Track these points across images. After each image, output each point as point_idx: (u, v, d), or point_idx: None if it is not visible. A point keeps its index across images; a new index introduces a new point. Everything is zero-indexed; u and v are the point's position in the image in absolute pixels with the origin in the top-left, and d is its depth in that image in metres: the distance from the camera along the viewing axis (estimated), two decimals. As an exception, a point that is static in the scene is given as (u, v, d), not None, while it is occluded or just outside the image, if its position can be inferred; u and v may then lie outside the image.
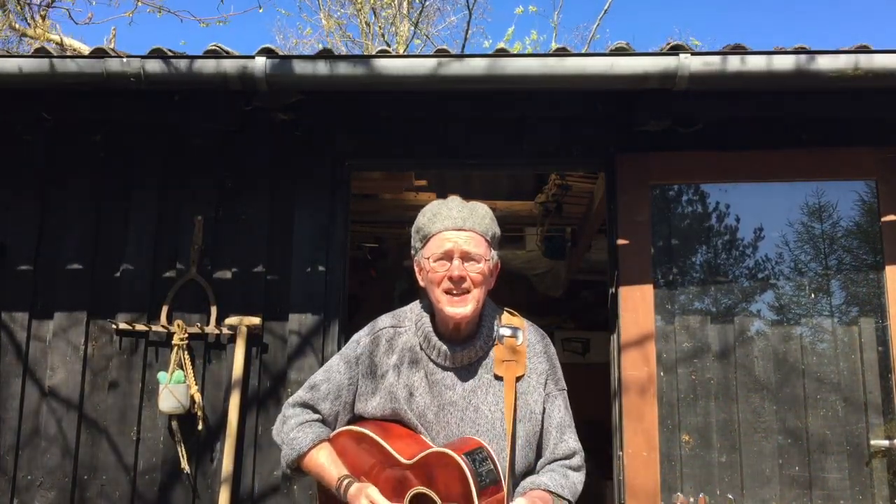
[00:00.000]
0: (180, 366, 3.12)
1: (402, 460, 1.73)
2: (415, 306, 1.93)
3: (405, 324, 1.90)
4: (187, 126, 3.34)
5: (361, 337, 1.93)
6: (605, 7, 12.22)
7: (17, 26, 7.76)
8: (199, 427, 3.12)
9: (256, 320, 3.16)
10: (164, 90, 3.11)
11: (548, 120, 3.36)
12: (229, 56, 2.95)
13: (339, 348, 3.10)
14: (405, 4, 12.41)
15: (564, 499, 1.78)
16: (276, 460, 3.05)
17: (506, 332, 1.87)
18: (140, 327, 3.19)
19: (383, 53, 3.03)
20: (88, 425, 3.16)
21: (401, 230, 5.87)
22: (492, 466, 1.69)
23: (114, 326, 3.19)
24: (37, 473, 3.13)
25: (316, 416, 1.89)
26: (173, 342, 3.14)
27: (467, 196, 1.93)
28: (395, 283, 6.46)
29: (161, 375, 3.10)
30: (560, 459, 1.85)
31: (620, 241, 3.20)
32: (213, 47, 3.02)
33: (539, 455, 1.87)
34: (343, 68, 2.91)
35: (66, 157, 3.38)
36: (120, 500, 3.10)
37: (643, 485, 2.99)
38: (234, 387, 3.10)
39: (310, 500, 3.07)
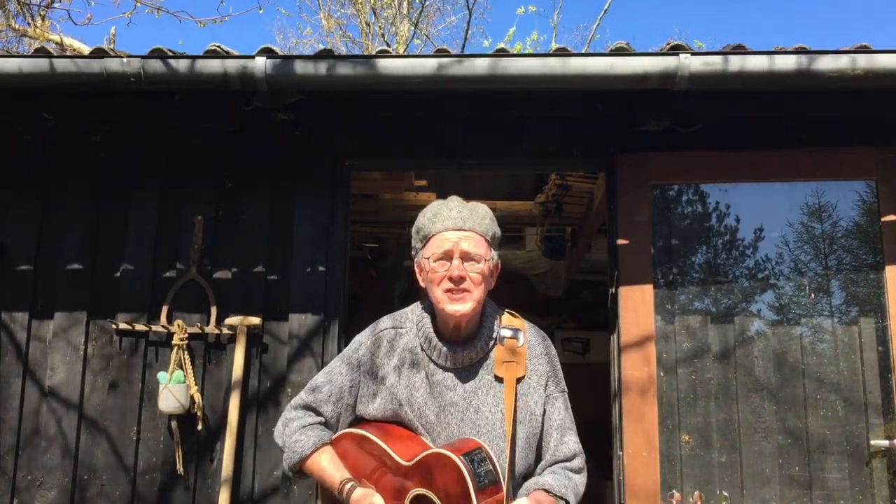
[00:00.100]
0: (180, 366, 3.12)
1: (402, 462, 1.73)
2: (415, 307, 1.93)
3: (406, 325, 1.90)
4: (187, 126, 3.34)
5: (362, 339, 1.93)
6: (605, 7, 12.25)
7: (16, 26, 7.77)
8: (199, 427, 3.12)
9: (256, 320, 3.16)
10: (164, 90, 3.11)
11: (548, 120, 3.36)
12: (229, 56, 2.95)
13: (340, 348, 3.11)
14: (405, 4, 12.41)
15: (567, 501, 1.77)
16: (276, 460, 3.06)
17: (506, 333, 1.87)
18: (140, 327, 3.19)
19: (383, 53, 3.03)
20: (88, 425, 3.16)
21: (401, 230, 5.87)
22: (491, 467, 1.69)
23: (114, 326, 3.19)
24: (37, 473, 3.13)
25: (318, 419, 1.89)
26: (173, 342, 3.14)
27: (467, 196, 1.93)
28: (395, 283, 6.46)
29: (161, 375, 3.10)
30: (561, 461, 1.84)
31: (620, 241, 3.20)
32: (214, 47, 3.02)
33: (539, 456, 1.86)
34: (343, 68, 2.91)
35: (66, 157, 3.38)
36: (120, 500, 3.10)
37: (643, 485, 2.99)
38: (234, 387, 3.10)
39: (310, 500, 3.07)
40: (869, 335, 3.13)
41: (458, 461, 1.64)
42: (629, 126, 3.27)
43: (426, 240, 1.84)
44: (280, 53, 2.96)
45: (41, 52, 3.00)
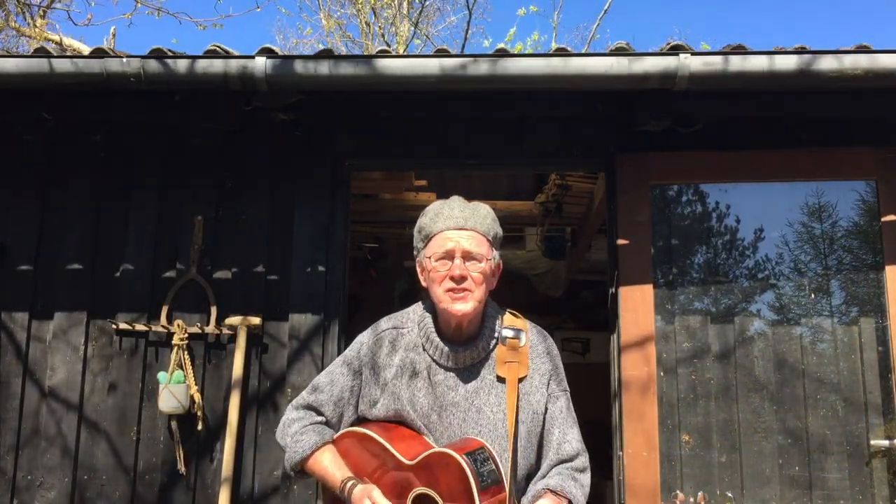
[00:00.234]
0: (180, 366, 3.12)
1: (405, 461, 1.73)
2: (417, 308, 1.93)
3: (408, 325, 1.90)
4: (187, 126, 3.34)
5: (364, 339, 1.93)
6: (605, 7, 12.26)
7: (16, 26, 7.77)
8: (199, 427, 3.12)
9: (256, 320, 3.16)
10: (164, 90, 3.11)
11: (548, 120, 3.36)
12: (229, 56, 2.95)
13: (340, 348, 3.11)
14: (405, 4, 12.42)
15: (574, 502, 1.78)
16: (276, 460, 3.06)
17: (508, 332, 1.87)
18: (140, 327, 3.19)
19: (384, 53, 3.03)
20: (88, 425, 3.16)
21: (401, 230, 5.87)
22: (493, 467, 1.70)
23: (114, 326, 3.19)
24: (37, 473, 3.13)
25: (319, 419, 1.89)
26: (173, 342, 3.14)
27: (467, 196, 1.93)
28: (395, 283, 6.46)
29: (161, 375, 3.10)
30: (565, 461, 1.84)
31: (620, 241, 3.20)
32: (214, 47, 3.02)
33: (541, 455, 1.87)
34: (343, 68, 2.91)
35: (66, 157, 3.38)
36: (120, 500, 3.10)
37: (643, 485, 2.99)
38: (234, 387, 3.10)
39: (310, 499, 3.07)
40: (869, 335, 3.13)
41: (461, 460, 1.65)
42: (629, 126, 3.27)
43: (428, 239, 1.84)
44: (280, 53, 2.96)
45: (41, 52, 2.99)
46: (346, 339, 3.03)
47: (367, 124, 3.39)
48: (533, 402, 1.84)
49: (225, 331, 3.18)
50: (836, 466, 3.02)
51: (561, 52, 2.97)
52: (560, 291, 6.32)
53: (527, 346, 1.87)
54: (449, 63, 2.90)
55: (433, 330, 1.85)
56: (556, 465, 1.84)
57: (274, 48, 2.97)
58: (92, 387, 3.19)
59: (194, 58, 2.94)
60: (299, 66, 2.92)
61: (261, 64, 2.89)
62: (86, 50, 7.04)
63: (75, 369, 3.19)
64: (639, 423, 3.04)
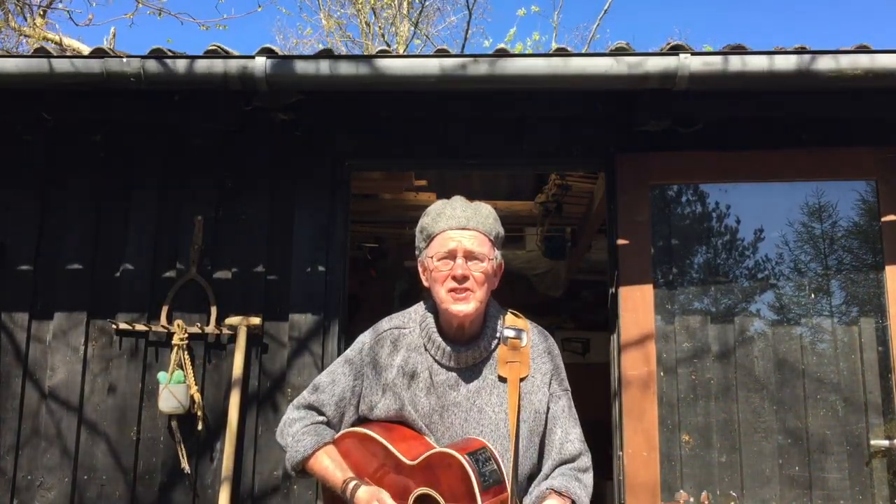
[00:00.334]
0: (180, 366, 3.12)
1: (406, 461, 1.73)
2: (418, 307, 1.93)
3: (409, 325, 1.90)
4: (187, 126, 3.34)
5: (365, 339, 1.93)
6: (605, 7, 12.26)
7: (16, 26, 7.77)
8: (199, 427, 3.12)
9: (256, 320, 3.16)
10: (164, 90, 3.11)
11: (548, 120, 3.36)
12: (229, 56, 2.95)
13: (340, 348, 3.11)
14: (405, 4, 12.42)
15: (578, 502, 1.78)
16: (276, 460, 3.06)
17: (510, 333, 1.87)
18: (140, 327, 3.19)
19: (384, 53, 3.03)
20: (88, 425, 3.16)
21: (401, 230, 5.87)
22: (495, 467, 1.70)
23: (114, 326, 3.19)
24: (37, 474, 3.13)
25: (321, 418, 1.89)
26: (173, 342, 3.14)
27: (468, 196, 1.93)
28: (395, 283, 6.46)
29: (161, 375, 3.10)
30: (567, 461, 1.84)
31: (620, 241, 3.20)
32: (214, 47, 3.02)
33: (543, 455, 1.87)
34: (343, 68, 2.91)
35: (66, 157, 3.38)
36: (120, 500, 3.10)
37: (643, 485, 2.99)
38: (234, 387, 3.10)
39: (311, 499, 3.07)
40: (869, 335, 3.13)
41: (463, 460, 1.65)
42: (629, 126, 3.27)
43: (430, 239, 1.84)
44: (280, 53, 2.96)
45: (41, 53, 2.99)
46: (347, 338, 3.03)
47: (367, 124, 3.39)
48: (535, 401, 1.84)
49: (225, 331, 3.18)
50: (836, 466, 3.02)
51: (561, 52, 2.97)
52: (560, 291, 6.31)
53: (528, 345, 1.87)
54: (449, 63, 2.90)
55: (435, 330, 1.85)
56: (558, 466, 1.84)
57: (274, 48, 2.97)
58: (92, 387, 3.19)
59: (194, 58, 2.94)
60: (299, 66, 2.92)
61: (261, 64, 2.89)
62: (86, 50, 7.04)
63: (75, 369, 3.19)
64: (639, 422, 3.04)
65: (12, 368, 3.21)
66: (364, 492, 1.72)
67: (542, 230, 5.58)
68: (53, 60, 2.93)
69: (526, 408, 1.82)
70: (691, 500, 1.52)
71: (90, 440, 3.15)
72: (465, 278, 1.77)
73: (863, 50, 2.88)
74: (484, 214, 1.85)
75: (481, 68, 2.89)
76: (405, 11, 12.40)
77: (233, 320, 3.16)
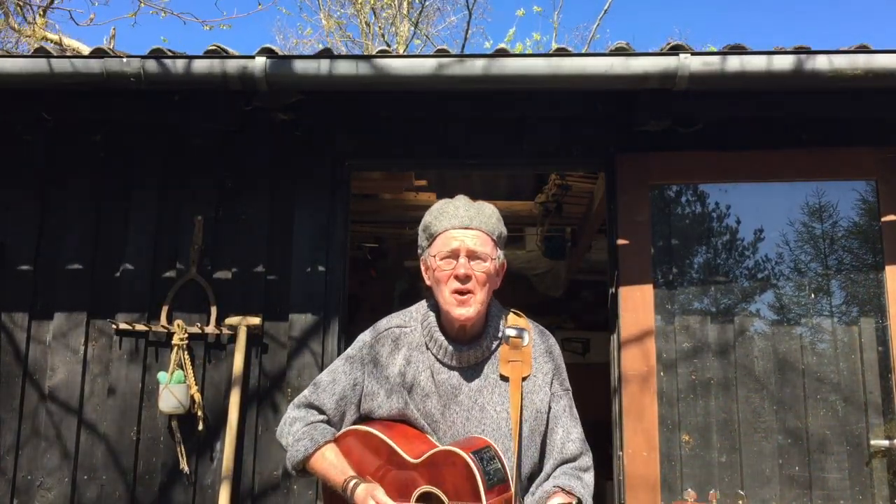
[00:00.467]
0: (180, 366, 3.12)
1: (409, 459, 1.73)
2: (420, 306, 1.93)
3: (410, 324, 1.90)
4: (187, 126, 3.34)
5: (366, 337, 1.93)
6: (605, 7, 12.25)
7: (16, 26, 7.76)
8: (200, 427, 3.12)
9: (256, 320, 3.16)
10: (164, 90, 3.11)
11: (548, 120, 3.36)
12: (229, 56, 2.95)
13: (340, 348, 3.11)
14: (405, 4, 12.42)
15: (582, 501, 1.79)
16: (277, 460, 3.06)
17: (511, 332, 1.87)
18: (140, 327, 3.19)
19: (383, 53, 3.03)
20: (88, 426, 3.16)
21: (401, 230, 5.87)
22: (499, 465, 1.70)
23: (114, 326, 3.19)
24: (37, 474, 3.13)
25: (321, 417, 1.89)
26: (173, 342, 3.14)
27: (468, 196, 1.93)
28: (395, 283, 6.46)
29: (161, 375, 3.10)
30: (569, 461, 1.85)
31: (620, 241, 3.20)
32: (213, 47, 3.02)
33: (544, 454, 1.87)
34: (343, 68, 2.91)
35: (66, 157, 3.38)
36: (120, 500, 3.10)
37: (643, 485, 2.99)
38: (234, 386, 3.10)
39: (310, 499, 3.07)
40: (869, 335, 3.13)
41: (468, 459, 1.65)
42: (629, 126, 3.27)
43: (433, 238, 1.84)
44: (280, 53, 2.96)
45: (41, 53, 2.99)
46: (347, 338, 3.03)
47: (367, 124, 3.39)
48: (536, 401, 1.84)
49: (225, 331, 3.18)
50: (836, 466, 3.02)
51: (561, 52, 2.97)
52: (560, 291, 6.31)
53: (530, 345, 1.88)
54: (449, 63, 2.90)
55: (437, 329, 1.85)
56: (559, 465, 1.84)
57: (274, 48, 2.97)
58: (92, 387, 3.19)
59: (194, 58, 2.94)
60: (299, 66, 2.92)
61: (261, 64, 2.89)
62: (85, 50, 7.04)
63: (75, 369, 3.19)
64: (639, 422, 3.04)
65: (12, 369, 3.21)
66: (362, 489, 1.72)
67: (542, 230, 5.58)
68: (53, 60, 2.93)
69: (528, 407, 1.82)
70: (689, 499, 1.53)
71: (90, 440, 3.15)
72: (467, 278, 1.77)
73: (863, 50, 2.88)
74: (487, 214, 1.85)
75: (482, 68, 2.89)
76: (405, 11, 12.40)
77: (233, 320, 3.16)
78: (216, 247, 3.28)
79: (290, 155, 3.35)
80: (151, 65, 2.92)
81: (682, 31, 23.24)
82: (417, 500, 1.71)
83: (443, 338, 1.84)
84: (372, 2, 12.13)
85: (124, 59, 2.91)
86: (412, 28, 12.40)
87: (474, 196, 1.92)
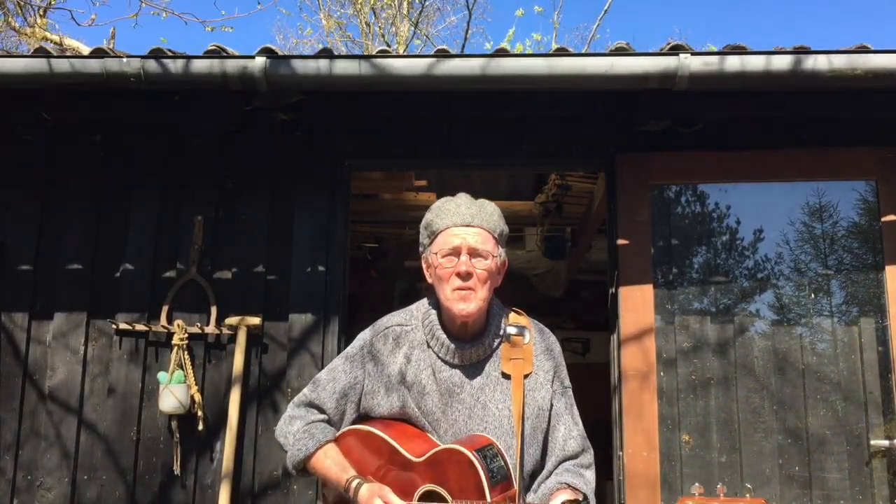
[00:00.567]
0: (180, 366, 3.12)
1: (411, 458, 1.73)
2: (421, 305, 1.93)
3: (411, 322, 1.90)
4: (187, 126, 3.34)
5: (366, 336, 1.93)
6: (606, 7, 12.23)
7: (16, 26, 7.76)
8: (200, 427, 3.12)
9: (256, 320, 3.16)
10: (164, 90, 3.11)
11: (548, 120, 3.36)
12: (229, 56, 2.95)
13: (340, 348, 3.11)
14: (405, 4, 12.41)
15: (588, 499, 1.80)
16: (276, 459, 3.06)
17: (512, 330, 1.88)
18: (140, 327, 3.19)
19: (383, 53, 3.03)
20: (88, 426, 3.16)
21: (401, 230, 5.87)
22: (502, 463, 1.71)
23: (114, 326, 3.19)
24: (37, 474, 3.13)
25: (321, 416, 1.89)
26: (173, 342, 3.14)
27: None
28: (395, 283, 6.46)
29: (161, 375, 3.10)
30: (570, 458, 1.86)
31: (620, 241, 3.20)
32: (213, 47, 3.02)
33: (546, 452, 1.87)
34: (343, 68, 2.91)
35: (66, 157, 3.38)
36: (119, 500, 3.10)
37: (643, 484, 2.99)
38: (234, 386, 3.10)
39: (310, 499, 3.07)
40: (869, 335, 3.13)
41: (472, 457, 1.65)
42: (629, 126, 3.27)
43: (434, 235, 1.84)
44: (280, 53, 2.96)
45: (41, 53, 2.99)
46: (346, 338, 3.03)
47: (368, 124, 3.39)
48: (538, 398, 1.85)
49: (225, 331, 3.18)
50: (835, 466, 3.02)
51: (561, 52, 2.97)
52: (560, 291, 6.31)
53: (531, 343, 1.88)
54: (449, 63, 2.90)
55: (438, 327, 1.85)
56: (561, 462, 1.85)
57: (274, 48, 2.97)
58: (92, 387, 3.19)
59: (194, 58, 2.94)
60: (299, 66, 2.92)
61: (260, 64, 2.89)
62: (85, 50, 7.04)
63: (75, 369, 3.19)
64: (639, 422, 3.04)
65: (12, 369, 3.21)
66: (366, 489, 1.72)
67: (542, 230, 5.58)
68: (53, 60, 2.93)
69: (530, 405, 1.83)
70: (696, 493, 1.54)
71: (90, 440, 3.15)
72: (468, 275, 1.78)
73: (862, 50, 2.88)
74: (489, 212, 1.85)
75: (481, 68, 2.89)
76: (405, 11, 12.40)
77: (233, 320, 3.16)
78: (216, 247, 3.28)
79: (290, 155, 3.35)
80: (151, 65, 2.92)
81: (682, 31, 23.27)
82: (420, 499, 1.71)
83: (445, 336, 1.84)
84: (372, 2, 12.13)
85: (124, 59, 2.91)
86: (412, 28, 12.40)
87: (475, 196, 1.92)
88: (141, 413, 3.16)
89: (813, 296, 3.24)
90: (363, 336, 1.94)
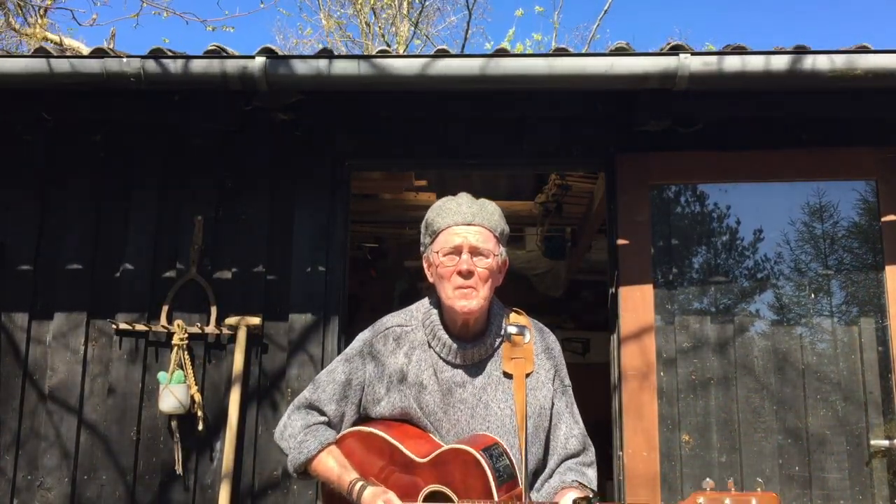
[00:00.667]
0: (180, 366, 3.12)
1: (416, 459, 1.73)
2: (421, 305, 1.93)
3: (411, 323, 1.90)
4: (187, 126, 3.34)
5: (366, 336, 1.92)
6: (606, 7, 12.23)
7: (17, 26, 7.76)
8: (200, 427, 3.12)
9: (256, 320, 3.16)
10: (164, 90, 3.11)
11: (548, 120, 3.36)
12: (229, 56, 2.95)
13: (340, 348, 3.11)
14: (405, 4, 12.41)
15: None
16: (276, 459, 3.06)
17: (513, 329, 1.88)
18: (140, 327, 3.19)
19: (383, 53, 3.03)
20: (88, 426, 3.16)
21: (401, 230, 5.87)
22: (508, 462, 1.71)
23: (114, 326, 3.19)
24: (37, 474, 3.13)
25: (322, 418, 1.88)
26: (173, 342, 3.14)
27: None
28: (395, 283, 6.46)
29: (161, 375, 3.10)
30: (573, 456, 1.86)
31: (620, 241, 3.20)
32: (213, 47, 3.02)
33: (548, 450, 1.87)
34: (343, 68, 2.91)
35: (66, 157, 3.38)
36: (119, 500, 3.10)
37: (644, 484, 2.99)
38: (234, 386, 3.10)
39: (310, 499, 3.07)
40: (869, 335, 3.13)
41: (479, 456, 1.66)
42: (629, 126, 3.27)
43: (435, 234, 1.85)
44: (279, 53, 2.96)
45: (41, 53, 2.99)
46: (346, 338, 3.03)
47: (367, 124, 3.39)
48: (540, 397, 1.85)
49: (225, 331, 3.18)
50: (835, 466, 3.02)
51: (561, 52, 2.97)
52: (560, 291, 6.31)
53: (531, 342, 1.89)
54: (448, 63, 2.90)
55: (440, 327, 1.85)
56: (563, 461, 1.85)
57: (274, 48, 2.97)
58: (92, 387, 3.19)
59: (194, 58, 2.94)
60: (299, 66, 2.92)
61: (260, 64, 2.89)
62: (85, 50, 7.04)
63: (75, 369, 3.19)
64: (638, 422, 3.04)
65: (12, 369, 3.21)
66: (370, 493, 1.71)
67: (542, 230, 5.58)
68: (53, 60, 2.93)
69: (532, 404, 1.83)
70: (707, 488, 1.54)
71: (90, 440, 3.15)
72: (470, 273, 1.78)
73: (862, 50, 2.88)
74: (489, 211, 1.86)
75: (481, 68, 2.89)
76: (405, 11, 12.40)
77: (232, 320, 3.16)
78: (216, 247, 3.28)
79: (290, 155, 3.35)
80: (151, 65, 2.92)
81: (682, 31, 23.27)
82: (425, 500, 1.71)
83: (447, 336, 1.84)
84: (372, 2, 12.13)
85: (124, 59, 2.91)
86: (412, 28, 12.40)
87: (475, 196, 1.92)
88: (141, 413, 3.16)
89: (813, 296, 3.24)
90: (362, 337, 1.93)
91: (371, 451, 1.80)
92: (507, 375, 1.84)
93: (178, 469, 3.09)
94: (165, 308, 3.20)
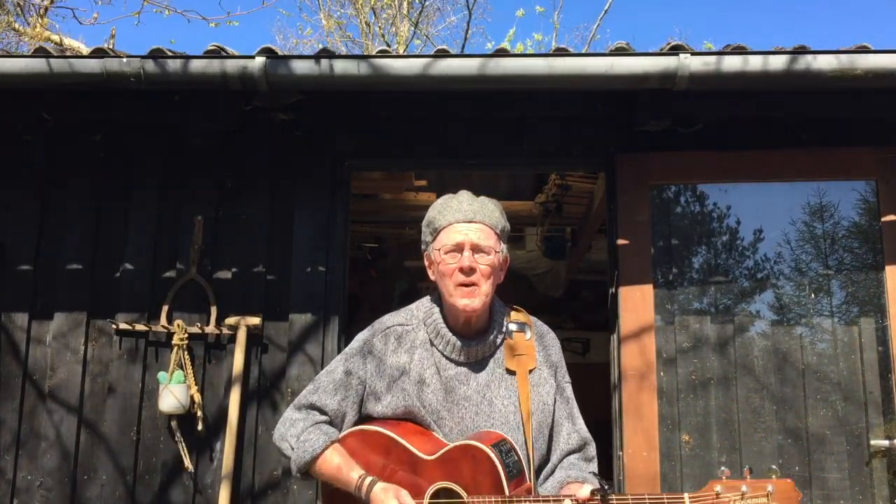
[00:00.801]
0: (180, 366, 3.12)
1: (423, 456, 1.72)
2: (421, 304, 1.93)
3: (413, 322, 1.90)
4: (187, 126, 3.34)
5: (366, 336, 1.92)
6: (606, 7, 12.22)
7: (17, 26, 7.76)
8: (199, 427, 3.12)
9: (256, 320, 3.16)
10: (164, 90, 3.11)
11: (548, 120, 3.36)
12: (229, 56, 2.95)
13: (340, 348, 3.11)
14: (405, 4, 12.41)
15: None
16: (277, 460, 3.06)
17: (514, 327, 1.89)
18: (140, 327, 3.19)
19: (383, 53, 3.03)
20: (88, 426, 3.16)
21: (401, 230, 5.87)
22: (516, 458, 1.72)
23: (114, 326, 3.19)
24: (36, 474, 3.13)
25: (323, 418, 1.88)
26: (173, 342, 3.14)
27: (468, 195, 1.94)
28: (395, 283, 6.46)
29: (161, 375, 3.10)
30: (575, 451, 1.87)
31: (620, 241, 3.20)
32: (213, 47, 3.02)
33: (551, 446, 1.88)
34: (343, 68, 2.91)
35: (66, 157, 3.38)
36: (119, 500, 3.10)
37: (644, 484, 2.99)
38: (234, 386, 3.10)
39: (310, 498, 3.07)
40: (869, 335, 3.13)
41: (490, 452, 1.66)
42: (629, 126, 3.27)
43: (437, 232, 1.85)
44: (279, 53, 2.96)
45: (41, 53, 2.99)
46: (347, 338, 3.03)
47: (367, 124, 3.39)
48: (542, 393, 1.86)
49: (225, 331, 3.18)
50: (835, 466, 3.02)
51: (561, 52, 2.97)
52: (560, 291, 6.31)
53: (532, 339, 1.90)
54: (448, 63, 2.90)
55: (443, 325, 1.85)
56: (566, 456, 1.86)
57: (273, 48, 2.97)
58: (92, 387, 3.19)
59: (194, 58, 2.94)
60: (299, 66, 2.92)
61: (260, 64, 2.89)
62: (85, 50, 7.03)
63: (75, 369, 3.19)
64: (638, 422, 3.04)
65: (12, 369, 3.21)
66: (380, 488, 1.70)
67: (542, 230, 5.58)
68: (53, 60, 2.93)
69: (535, 400, 1.84)
70: (723, 477, 1.56)
71: (90, 440, 3.15)
72: (471, 270, 1.78)
73: (862, 50, 2.88)
74: (490, 208, 1.86)
75: (480, 68, 2.89)
76: (405, 11, 12.40)
77: (233, 320, 3.16)
78: (216, 247, 3.28)
79: (290, 155, 3.35)
80: (151, 65, 2.92)
81: (682, 31, 23.29)
82: (432, 497, 1.71)
83: (450, 334, 1.84)
84: (372, 2, 12.14)
85: (124, 59, 2.91)
86: (412, 28, 12.40)
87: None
88: (141, 413, 3.16)
89: (813, 296, 3.24)
90: (362, 336, 1.93)
91: (375, 449, 1.80)
92: (510, 372, 1.85)
93: (179, 469, 3.09)
94: (165, 308, 3.20)
